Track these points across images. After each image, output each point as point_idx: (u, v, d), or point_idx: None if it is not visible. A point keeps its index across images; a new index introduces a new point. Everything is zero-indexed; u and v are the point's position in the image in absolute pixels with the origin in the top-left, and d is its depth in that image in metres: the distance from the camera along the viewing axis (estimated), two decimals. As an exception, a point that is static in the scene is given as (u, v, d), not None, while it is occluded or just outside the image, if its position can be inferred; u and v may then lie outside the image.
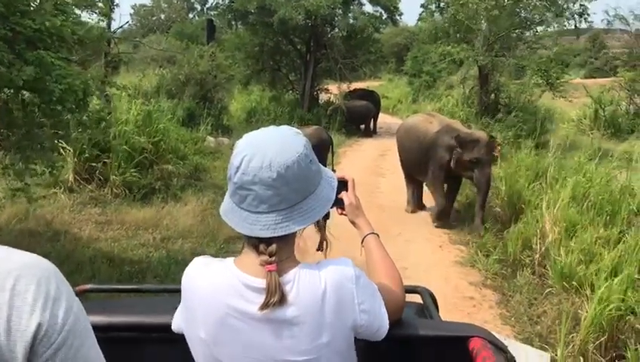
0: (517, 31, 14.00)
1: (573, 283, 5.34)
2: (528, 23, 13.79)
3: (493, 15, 12.36)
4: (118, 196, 8.10)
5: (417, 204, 8.63)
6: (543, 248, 6.16)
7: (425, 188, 8.56)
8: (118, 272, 5.65)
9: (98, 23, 6.99)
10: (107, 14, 6.63)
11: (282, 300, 1.16)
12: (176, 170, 8.92)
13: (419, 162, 8.00)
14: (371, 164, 11.99)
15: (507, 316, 5.29)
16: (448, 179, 7.80)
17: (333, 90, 18.36)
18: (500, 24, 13.21)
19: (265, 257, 1.19)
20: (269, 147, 1.20)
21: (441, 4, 16.53)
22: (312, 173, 1.25)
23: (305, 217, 1.22)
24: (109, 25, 9.40)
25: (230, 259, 1.27)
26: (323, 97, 18.83)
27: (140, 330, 1.60)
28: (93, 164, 8.21)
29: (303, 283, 1.19)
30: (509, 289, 5.80)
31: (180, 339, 1.28)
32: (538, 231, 6.45)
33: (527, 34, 14.48)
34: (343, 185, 1.55)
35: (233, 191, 1.22)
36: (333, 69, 17.46)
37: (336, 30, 18.45)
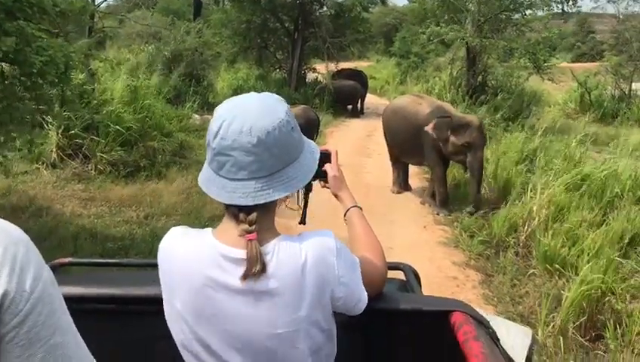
0: (506, 13, 13.95)
1: (556, 265, 5.39)
2: (517, 5, 13.73)
3: None
4: (102, 173, 8.03)
5: (403, 186, 8.61)
6: (529, 230, 6.20)
7: (410, 169, 8.56)
8: (100, 249, 5.60)
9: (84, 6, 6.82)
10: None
11: (262, 271, 1.13)
12: (161, 148, 8.84)
13: (407, 144, 7.91)
14: (358, 145, 11.97)
15: (490, 296, 5.32)
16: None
17: (320, 70, 18.24)
18: (490, 5, 13.16)
19: (245, 226, 1.15)
20: (249, 112, 1.16)
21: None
22: (294, 141, 1.21)
23: (286, 185, 1.18)
24: (93, 7, 9.22)
25: (208, 230, 1.23)
26: (310, 77, 18.72)
27: (119, 302, 1.56)
28: (78, 141, 8.11)
29: (283, 254, 1.16)
30: (492, 270, 5.83)
31: (159, 312, 1.25)
32: (525, 213, 6.49)
33: (516, 16, 14.43)
34: (326, 157, 1.52)
35: (211, 157, 1.18)
36: (321, 48, 17.34)
37: (325, 8, 18.30)
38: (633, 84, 16.77)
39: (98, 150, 8.06)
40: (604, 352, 4.36)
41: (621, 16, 18.85)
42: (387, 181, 8.63)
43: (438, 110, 7.54)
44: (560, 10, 15.02)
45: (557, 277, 5.35)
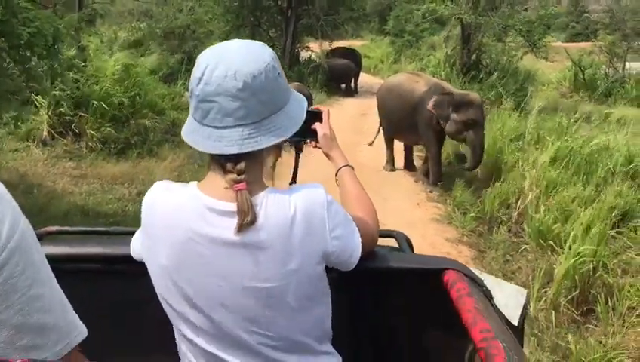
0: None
1: (549, 241, 5.41)
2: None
3: None
4: (93, 150, 7.98)
5: (408, 166, 8.56)
6: (522, 206, 6.22)
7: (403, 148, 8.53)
8: (92, 225, 5.57)
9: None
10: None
11: (254, 222, 1.10)
12: (153, 125, 8.78)
13: (402, 123, 7.81)
14: (352, 123, 11.91)
15: (482, 272, 5.33)
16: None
17: (314, 48, 18.09)
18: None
19: (233, 176, 1.11)
20: (234, 56, 1.12)
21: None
22: (281, 87, 1.17)
23: (274, 133, 1.14)
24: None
25: (193, 183, 1.19)
26: (304, 55, 18.56)
27: (103, 262, 1.53)
28: (68, 118, 8.04)
29: (271, 206, 1.12)
30: (485, 246, 5.85)
31: (145, 272, 1.22)
32: (517, 189, 6.50)
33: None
34: (317, 116, 1.49)
35: (195, 106, 1.13)
36: (314, 26, 17.15)
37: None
38: (627, 63, 16.76)
39: (89, 127, 7.99)
40: (596, 326, 4.40)
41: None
42: (380, 159, 8.60)
43: (435, 88, 7.46)
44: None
45: (549, 253, 5.38)
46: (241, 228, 1.09)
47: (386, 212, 6.31)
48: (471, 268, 1.47)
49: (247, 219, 1.08)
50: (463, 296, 1.28)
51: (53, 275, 0.83)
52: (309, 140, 1.50)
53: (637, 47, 16.72)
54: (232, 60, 1.10)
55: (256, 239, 1.10)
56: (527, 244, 5.70)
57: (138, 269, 1.22)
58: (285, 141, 1.36)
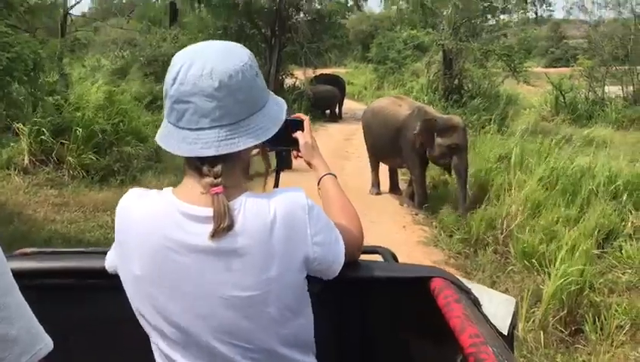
0: (481, 17, 14.10)
1: (534, 261, 5.40)
2: (492, 8, 13.87)
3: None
4: (75, 178, 7.87)
5: (393, 189, 8.54)
6: (507, 228, 6.22)
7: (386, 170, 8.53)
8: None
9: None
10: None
11: (231, 227, 1.04)
12: (136, 152, 8.71)
13: (386, 145, 7.84)
14: (337, 148, 11.94)
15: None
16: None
17: (298, 76, 18.22)
18: (465, 9, 13.28)
19: (209, 179, 1.06)
20: (209, 55, 1.08)
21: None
22: (259, 88, 1.13)
23: (253, 135, 1.09)
24: (65, 4, 9.05)
25: (168, 189, 1.14)
26: (288, 82, 18.68)
27: (77, 276, 1.47)
28: (50, 145, 7.95)
29: (250, 210, 1.07)
30: (471, 268, 5.83)
31: (120, 286, 1.16)
32: (503, 211, 6.51)
33: (491, 22, 14.60)
34: (298, 125, 1.47)
35: (170, 108, 1.09)
36: (298, 54, 17.30)
37: (302, 14, 18.29)
38: (606, 87, 17.03)
39: (70, 155, 7.90)
40: (584, 346, 4.37)
41: (592, 22, 19.13)
42: (366, 183, 8.60)
43: (419, 111, 7.50)
44: (534, 16, 15.20)
45: (536, 273, 5.36)
46: (217, 233, 1.04)
47: (371, 235, 6.23)
48: (458, 277, 1.44)
49: (223, 224, 1.03)
50: (451, 303, 1.24)
51: (15, 283, 0.79)
52: (291, 149, 1.47)
53: (615, 71, 17.01)
54: (208, 59, 1.07)
55: (234, 245, 1.05)
56: (513, 265, 5.69)
57: (115, 283, 1.17)
58: (267, 150, 1.33)
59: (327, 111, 17.00)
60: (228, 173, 1.09)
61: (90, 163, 8.00)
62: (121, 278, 1.16)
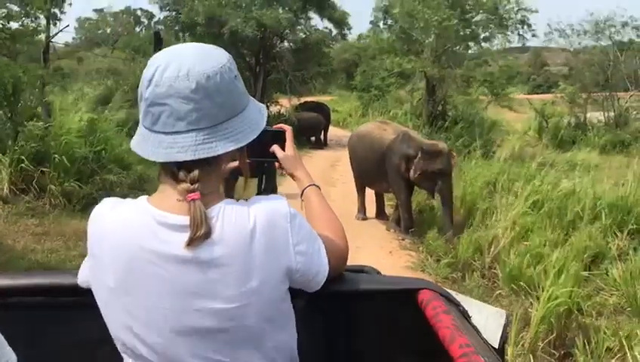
0: (463, 43, 14.31)
1: (522, 284, 5.37)
2: (473, 35, 14.08)
3: (444, 26, 12.53)
4: (56, 206, 7.75)
5: (379, 215, 8.51)
6: (495, 252, 6.20)
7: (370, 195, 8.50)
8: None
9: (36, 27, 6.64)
10: (41, 8, 6.29)
11: (208, 235, 0.99)
12: (119, 180, 8.62)
13: (372, 170, 7.84)
14: (322, 174, 11.91)
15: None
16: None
17: (284, 104, 18.29)
18: (447, 37, 13.47)
19: (185, 185, 1.01)
20: (186, 56, 1.03)
21: (389, 22, 16.72)
22: (238, 91, 1.08)
23: (231, 139, 1.04)
24: (47, 28, 9.01)
25: (143, 197, 1.09)
26: (273, 110, 18.73)
27: (47, 294, 1.39)
28: (31, 173, 7.84)
29: (229, 218, 1.02)
30: (459, 293, 5.75)
31: (94, 304, 1.10)
32: (489, 235, 6.50)
33: (473, 50, 14.82)
34: (279, 135, 1.42)
35: (145, 111, 1.04)
36: (283, 81, 17.40)
37: (286, 43, 18.44)
38: (589, 113, 17.30)
39: (52, 183, 7.79)
40: (574, 369, 4.32)
41: (572, 50, 19.51)
42: (352, 208, 8.56)
43: (403, 135, 7.53)
44: (515, 44, 15.44)
45: (523, 297, 5.33)
46: (194, 241, 0.99)
47: (358, 260, 6.18)
48: (447, 290, 1.39)
49: (200, 232, 0.98)
50: (439, 314, 1.20)
51: None
52: (272, 161, 1.43)
53: (596, 96, 17.30)
54: (185, 60, 1.02)
55: (212, 255, 1.00)
56: (501, 289, 5.66)
57: (89, 301, 1.11)
58: (249, 161, 1.29)
59: (313, 138, 17.03)
60: (205, 179, 1.04)
61: (72, 191, 7.90)
62: (94, 293, 1.10)
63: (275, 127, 1.42)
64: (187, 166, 1.02)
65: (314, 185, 1.41)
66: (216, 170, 1.08)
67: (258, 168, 1.48)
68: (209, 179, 1.05)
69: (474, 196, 7.98)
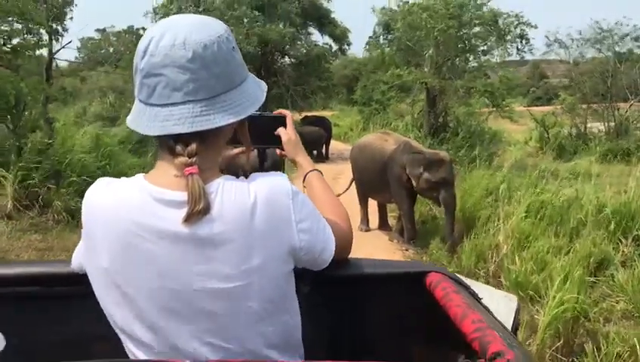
0: (463, 56, 14.36)
1: (528, 291, 5.34)
2: (472, 47, 14.14)
3: (444, 35, 12.58)
4: (60, 222, 7.76)
5: (382, 225, 8.48)
6: (498, 259, 6.18)
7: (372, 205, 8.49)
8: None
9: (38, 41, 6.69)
10: (42, 23, 6.32)
11: (207, 210, 0.96)
12: (123, 195, 8.63)
13: (374, 181, 7.84)
14: (324, 188, 11.92)
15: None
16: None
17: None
18: (447, 48, 13.52)
19: (183, 159, 0.98)
20: (183, 25, 1.01)
21: (389, 36, 16.81)
22: (236, 62, 1.06)
23: (230, 112, 1.02)
24: (50, 48, 9.07)
25: (140, 175, 1.06)
26: (275, 125, 18.77)
27: (42, 284, 1.37)
28: (35, 190, 7.86)
29: (228, 194, 0.99)
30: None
31: (90, 293, 1.07)
32: (492, 243, 6.48)
33: (473, 64, 14.85)
34: (280, 121, 1.41)
35: (140, 83, 1.01)
36: (284, 96, 17.47)
37: (287, 58, 18.55)
38: (589, 123, 17.28)
39: (56, 199, 7.81)
40: (582, 375, 4.28)
41: (572, 61, 19.55)
42: (355, 220, 8.54)
43: (405, 145, 7.53)
44: (514, 57, 15.47)
45: (529, 304, 5.29)
46: (191, 217, 0.96)
47: (362, 271, 6.20)
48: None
49: (198, 207, 0.95)
50: (450, 293, 1.19)
51: None
52: (273, 147, 1.42)
53: (596, 107, 17.30)
54: (181, 29, 1.00)
55: (211, 231, 0.97)
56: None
57: (86, 290, 1.08)
58: (251, 149, 1.29)
59: (314, 152, 17.04)
60: (203, 153, 1.01)
61: (76, 207, 7.90)
62: (89, 274, 1.07)
63: (275, 112, 1.42)
64: (184, 139, 1.00)
65: (316, 170, 1.40)
66: (215, 144, 1.06)
67: (260, 156, 1.46)
68: (207, 154, 1.03)
69: (475, 205, 7.96)
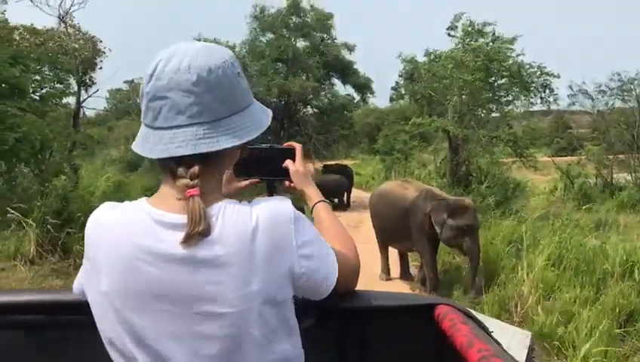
0: (487, 107, 14.42)
1: (555, 342, 5.16)
2: (496, 98, 14.20)
3: (471, 86, 12.67)
4: (79, 267, 7.76)
5: (404, 275, 8.34)
6: (522, 311, 6.00)
7: (399, 254, 8.38)
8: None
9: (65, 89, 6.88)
10: (70, 71, 6.52)
11: (207, 232, 0.95)
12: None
13: (395, 228, 7.70)
14: (345, 236, 11.85)
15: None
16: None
17: (310, 168, 18.51)
18: (470, 98, 13.60)
19: (185, 181, 0.98)
20: (189, 50, 1.02)
21: (413, 84, 16.99)
22: (241, 87, 1.06)
23: (234, 135, 1.02)
24: (78, 97, 9.33)
25: (142, 198, 1.06)
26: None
27: (49, 312, 1.34)
28: (56, 235, 7.93)
29: (230, 217, 0.98)
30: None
31: (93, 324, 1.05)
32: (515, 294, 6.32)
33: (496, 114, 14.89)
34: (290, 153, 1.42)
35: (146, 107, 1.02)
36: (307, 145, 17.65)
37: (309, 108, 18.83)
38: (615, 174, 17.09)
39: (77, 243, 7.86)
40: None
41: (596, 112, 19.50)
42: (376, 269, 8.43)
43: (427, 193, 7.44)
44: (538, 106, 15.48)
45: (555, 357, 5.11)
46: (190, 238, 0.95)
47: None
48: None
49: (197, 229, 0.94)
50: (457, 324, 1.14)
51: None
52: (283, 180, 1.42)
53: (622, 158, 17.14)
54: (187, 54, 1.02)
55: (211, 254, 0.96)
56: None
57: (85, 321, 1.07)
58: (259, 182, 1.28)
59: (336, 200, 17.05)
60: (206, 176, 1.01)
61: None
62: (89, 299, 1.06)
63: (285, 145, 1.43)
64: (187, 161, 1.00)
65: (324, 201, 1.39)
66: (218, 168, 1.06)
67: (269, 188, 1.46)
68: (210, 178, 1.03)
69: (498, 254, 7.81)
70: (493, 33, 13.89)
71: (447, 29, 14.61)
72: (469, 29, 14.00)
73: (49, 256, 7.93)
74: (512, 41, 13.68)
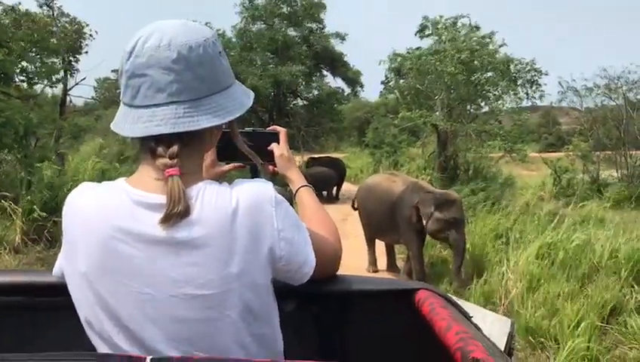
0: (476, 102, 14.45)
1: (539, 338, 5.20)
2: (484, 92, 14.22)
3: (454, 79, 12.69)
4: (66, 256, 7.72)
5: (390, 267, 8.37)
6: (507, 302, 6.04)
7: (382, 246, 8.39)
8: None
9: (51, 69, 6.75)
10: (57, 51, 6.39)
11: (186, 213, 0.94)
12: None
13: (382, 221, 7.74)
14: (333, 228, 11.85)
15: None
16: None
17: (296, 160, 18.50)
18: (457, 92, 13.62)
19: (164, 160, 0.97)
20: (169, 27, 1.00)
21: (401, 81, 16.99)
22: (223, 67, 1.05)
23: (215, 114, 1.00)
24: (65, 84, 9.19)
25: (121, 178, 1.04)
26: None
27: (25, 293, 1.33)
28: (42, 223, 7.86)
29: (209, 198, 0.97)
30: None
31: (71, 305, 1.03)
32: (501, 287, 6.35)
33: (485, 109, 14.93)
34: (274, 137, 1.41)
35: (125, 85, 1.00)
36: (296, 137, 17.61)
37: (299, 100, 18.78)
38: (602, 171, 17.18)
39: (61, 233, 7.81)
40: None
41: (583, 108, 19.55)
42: (363, 261, 8.44)
43: (414, 186, 7.47)
44: (526, 102, 15.53)
45: (539, 350, 5.14)
46: (169, 218, 0.93)
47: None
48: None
49: (176, 209, 0.93)
50: (436, 308, 1.14)
51: None
52: (266, 163, 1.41)
53: (610, 154, 17.23)
54: (167, 31, 0.99)
55: (189, 235, 0.95)
56: (517, 342, 5.46)
57: (70, 301, 1.05)
58: (242, 166, 1.28)
59: (324, 193, 17.03)
60: (186, 156, 1.00)
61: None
62: (67, 280, 1.04)
63: (268, 128, 1.42)
64: (166, 140, 0.98)
65: (307, 185, 1.39)
66: (199, 148, 1.05)
67: (252, 172, 1.44)
68: (190, 158, 1.02)
69: (485, 248, 7.85)
70: (470, 24, 13.94)
71: (418, 32, 14.75)
72: (440, 25, 14.08)
73: (34, 245, 7.87)
74: (491, 34, 13.75)
